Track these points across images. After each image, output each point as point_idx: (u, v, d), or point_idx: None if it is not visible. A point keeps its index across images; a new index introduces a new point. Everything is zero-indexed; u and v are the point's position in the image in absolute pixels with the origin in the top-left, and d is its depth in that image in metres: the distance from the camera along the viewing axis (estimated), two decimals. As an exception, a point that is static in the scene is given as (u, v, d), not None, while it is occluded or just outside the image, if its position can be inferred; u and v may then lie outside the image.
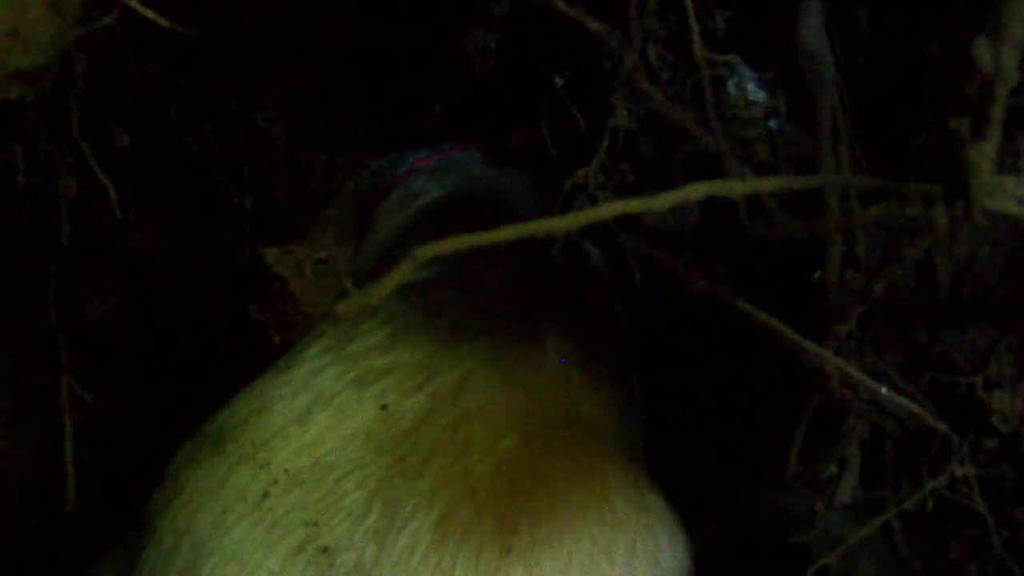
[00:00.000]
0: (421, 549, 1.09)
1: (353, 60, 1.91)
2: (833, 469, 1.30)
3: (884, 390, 1.21)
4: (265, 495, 1.13)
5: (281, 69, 1.88)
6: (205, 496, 1.15)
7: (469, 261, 1.34)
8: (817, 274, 1.24)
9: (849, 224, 1.19)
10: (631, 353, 1.48)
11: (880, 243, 1.21)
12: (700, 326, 1.51)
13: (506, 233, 0.85)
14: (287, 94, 1.88)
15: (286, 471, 1.14)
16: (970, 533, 1.22)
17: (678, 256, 1.28)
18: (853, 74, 1.24)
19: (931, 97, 1.11)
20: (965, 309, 1.18)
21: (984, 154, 0.84)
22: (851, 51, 1.26)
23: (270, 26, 1.83)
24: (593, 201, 1.27)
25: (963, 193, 0.86)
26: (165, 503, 1.18)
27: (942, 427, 1.19)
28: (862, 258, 1.22)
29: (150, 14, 1.09)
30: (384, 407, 1.19)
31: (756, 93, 1.27)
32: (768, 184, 0.99)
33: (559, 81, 1.43)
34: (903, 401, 1.21)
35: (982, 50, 0.83)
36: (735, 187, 0.91)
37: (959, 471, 1.17)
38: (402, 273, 0.86)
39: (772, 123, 1.28)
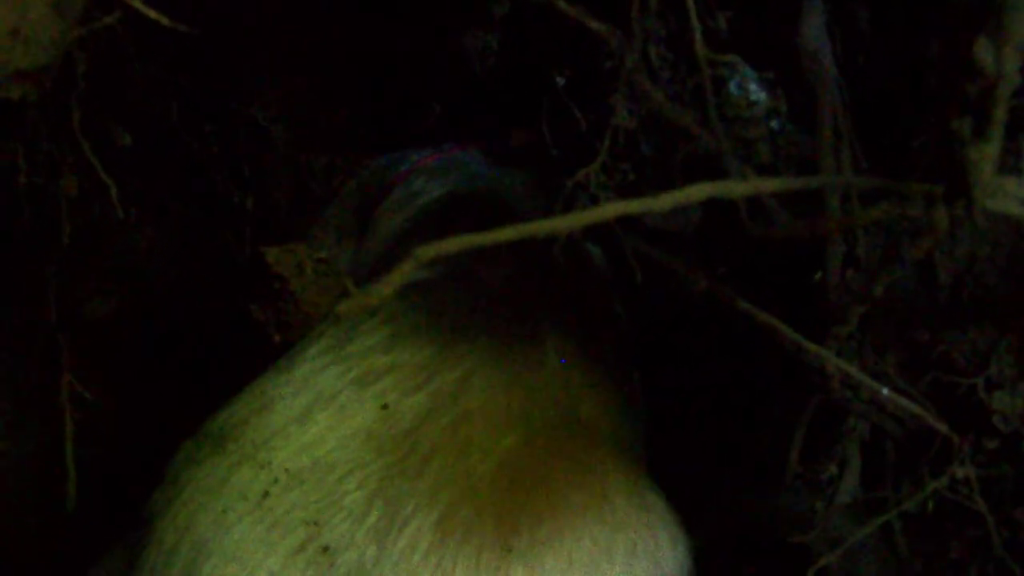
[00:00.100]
0: (422, 549, 1.09)
1: (353, 60, 1.91)
2: (833, 469, 1.30)
3: (885, 390, 1.21)
4: (266, 494, 1.13)
5: (281, 69, 1.88)
6: (206, 496, 1.15)
7: (470, 261, 1.34)
8: (818, 274, 1.25)
9: (850, 224, 1.19)
10: (631, 353, 1.48)
11: (881, 243, 1.21)
12: (700, 326, 1.51)
13: (507, 233, 0.85)
14: (287, 94, 1.88)
15: (287, 470, 1.14)
16: (970, 533, 1.22)
17: (679, 256, 1.28)
18: (854, 74, 1.24)
19: (931, 97, 1.11)
20: (966, 309, 1.18)
21: (986, 155, 0.84)
22: (851, 51, 1.26)
23: (270, 26, 1.83)
24: (595, 201, 1.27)
25: (964, 194, 0.86)
26: (166, 503, 1.18)
27: (943, 427, 1.19)
28: (863, 258, 1.22)
29: (152, 14, 1.09)
30: (385, 407, 1.19)
31: (757, 93, 1.27)
32: (770, 185, 0.99)
33: (560, 81, 1.43)
34: (904, 401, 1.21)
35: (984, 51, 0.83)
36: (737, 188, 0.91)
37: (960, 472, 1.17)
38: (403, 273, 0.86)
39: (773, 123, 1.28)
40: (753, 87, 1.27)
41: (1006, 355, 1.16)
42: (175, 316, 1.94)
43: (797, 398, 1.32)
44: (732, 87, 1.26)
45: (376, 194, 1.76)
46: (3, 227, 1.64)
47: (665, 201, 0.87)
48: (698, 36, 1.18)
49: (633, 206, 0.87)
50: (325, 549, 1.09)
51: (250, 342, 1.45)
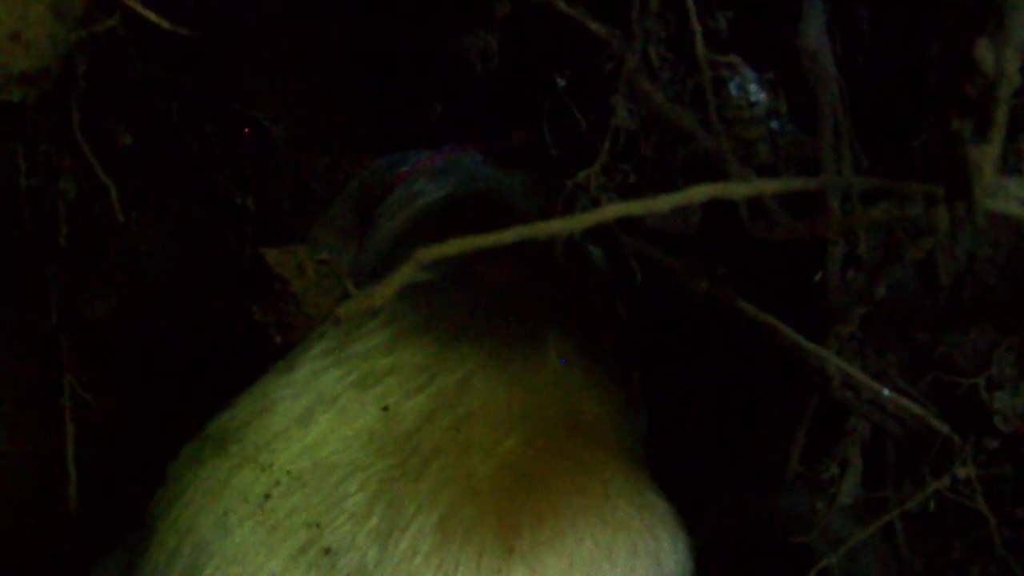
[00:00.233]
0: (423, 550, 1.09)
1: (354, 60, 1.91)
2: (834, 469, 1.30)
3: (886, 391, 1.21)
4: (267, 497, 1.13)
5: (283, 69, 1.88)
6: (207, 498, 1.15)
7: (470, 262, 1.34)
8: (819, 275, 1.25)
9: (850, 225, 1.19)
10: (631, 353, 1.48)
11: (881, 244, 1.21)
12: (700, 326, 1.51)
13: (509, 235, 0.85)
14: (289, 94, 1.88)
15: (288, 473, 1.14)
16: (972, 533, 1.22)
17: (679, 257, 1.28)
18: (854, 74, 1.24)
19: (931, 97, 1.11)
20: (966, 310, 1.18)
21: (987, 156, 0.84)
22: (851, 51, 1.26)
23: (271, 26, 1.83)
24: (595, 202, 1.27)
25: (965, 194, 0.86)
26: (167, 504, 1.18)
27: (944, 428, 1.19)
28: (863, 259, 1.22)
29: (152, 16, 1.09)
30: (386, 408, 1.19)
31: (757, 94, 1.26)
32: (770, 186, 0.99)
33: (560, 81, 1.43)
34: (905, 402, 1.21)
35: (984, 52, 0.83)
36: (737, 189, 0.91)
37: (961, 472, 1.17)
38: (404, 275, 0.86)
39: (773, 123, 1.28)
40: (753, 87, 1.27)
41: (1007, 355, 1.16)
42: (175, 316, 1.94)
43: (797, 398, 1.32)
44: (732, 88, 1.26)
45: (377, 194, 1.76)
46: (3, 227, 1.64)
47: (666, 202, 0.87)
48: (698, 37, 1.17)
49: (634, 207, 0.87)
50: (327, 551, 1.09)
51: (251, 343, 1.45)
